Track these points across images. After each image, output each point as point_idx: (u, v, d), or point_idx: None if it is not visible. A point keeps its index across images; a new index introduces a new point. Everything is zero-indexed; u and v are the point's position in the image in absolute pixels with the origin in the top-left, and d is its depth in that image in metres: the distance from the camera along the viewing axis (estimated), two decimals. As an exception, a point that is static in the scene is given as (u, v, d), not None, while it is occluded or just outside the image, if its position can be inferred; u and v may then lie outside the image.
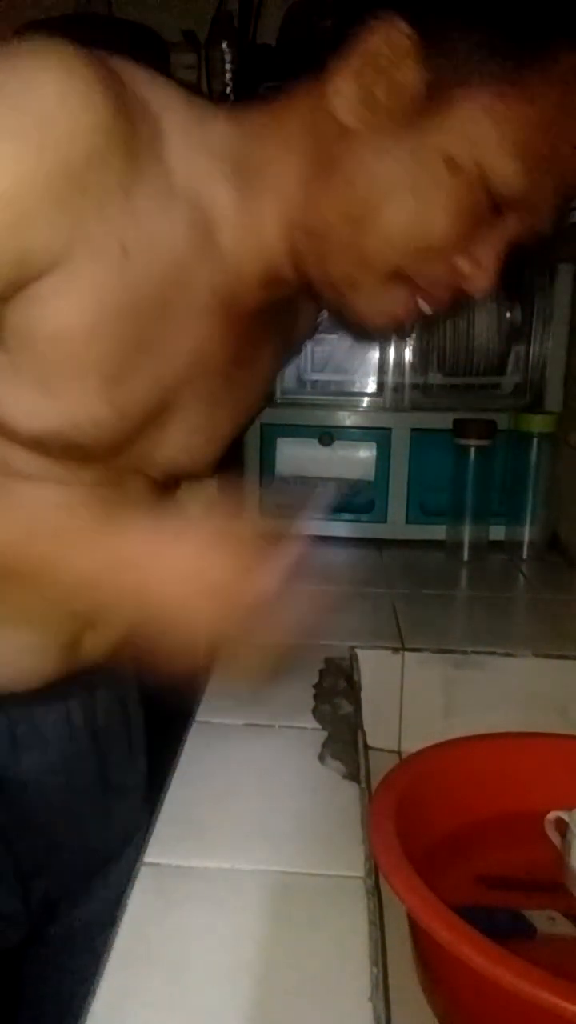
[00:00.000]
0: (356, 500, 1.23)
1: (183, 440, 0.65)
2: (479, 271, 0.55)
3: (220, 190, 0.55)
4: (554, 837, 0.57)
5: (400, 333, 0.60)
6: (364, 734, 0.67)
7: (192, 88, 0.62)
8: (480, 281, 0.56)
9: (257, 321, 0.63)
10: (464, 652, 0.82)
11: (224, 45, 1.28)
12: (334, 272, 0.56)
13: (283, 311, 0.68)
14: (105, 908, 0.75)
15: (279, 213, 0.57)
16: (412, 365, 1.23)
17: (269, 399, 0.82)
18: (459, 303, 0.58)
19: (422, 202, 0.52)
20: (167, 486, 0.72)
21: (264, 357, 0.70)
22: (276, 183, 0.56)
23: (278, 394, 1.25)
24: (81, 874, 0.77)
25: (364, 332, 0.61)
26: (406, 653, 0.82)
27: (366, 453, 1.22)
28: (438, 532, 1.18)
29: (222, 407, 0.66)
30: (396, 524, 1.22)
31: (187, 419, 0.64)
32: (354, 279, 0.56)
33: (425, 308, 0.58)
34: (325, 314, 0.69)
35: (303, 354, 1.26)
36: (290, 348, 0.79)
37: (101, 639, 0.70)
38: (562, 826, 0.57)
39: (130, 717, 0.81)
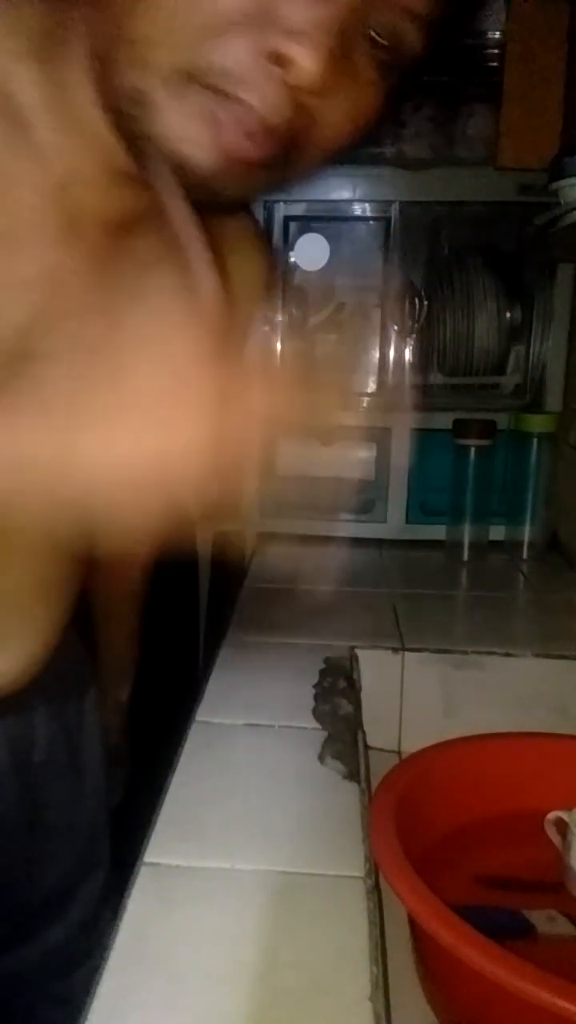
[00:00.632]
0: (356, 500, 1.23)
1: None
2: (297, 44, 0.38)
3: (21, 69, 0.45)
4: (554, 837, 0.57)
5: (248, 185, 0.44)
6: (364, 734, 0.67)
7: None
8: (304, 59, 0.38)
9: (130, 248, 0.51)
10: (464, 652, 0.82)
11: None
12: (118, 92, 0.42)
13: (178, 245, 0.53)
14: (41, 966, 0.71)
15: (90, 78, 0.44)
16: (412, 365, 1.23)
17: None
18: (296, 109, 0.41)
19: None
20: None
21: (162, 300, 0.53)
22: (79, 42, 0.44)
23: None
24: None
25: (189, 169, 0.42)
26: (406, 653, 0.82)
27: (366, 453, 1.22)
28: (438, 532, 1.18)
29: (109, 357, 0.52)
30: (396, 524, 1.22)
31: (64, 370, 0.50)
32: (138, 92, 0.41)
33: (249, 120, 0.41)
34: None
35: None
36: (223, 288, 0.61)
37: (19, 650, 0.62)
38: (562, 826, 0.57)
39: (80, 749, 0.73)
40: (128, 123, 0.43)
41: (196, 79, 0.40)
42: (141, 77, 0.41)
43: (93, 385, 0.46)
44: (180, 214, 0.47)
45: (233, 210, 0.51)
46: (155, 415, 0.44)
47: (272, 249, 0.63)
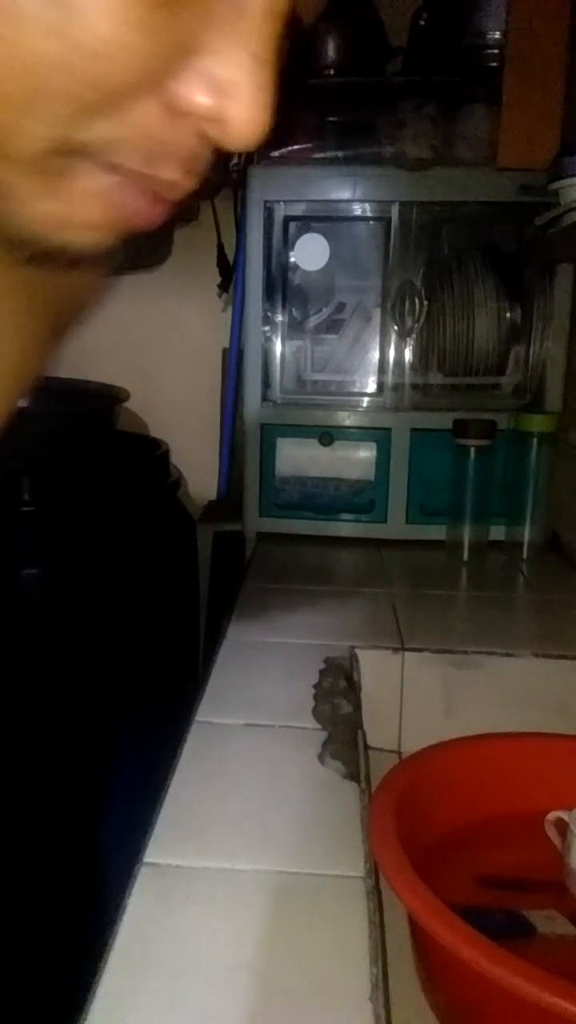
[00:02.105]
0: (356, 500, 1.23)
1: None
2: (226, 97, 0.27)
3: None
4: (554, 837, 0.57)
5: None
6: (364, 734, 0.67)
7: None
8: (238, 115, 0.27)
9: None
10: (464, 652, 0.82)
11: None
12: None
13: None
14: None
15: None
16: (412, 365, 1.23)
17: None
18: (218, 174, 0.35)
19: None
20: None
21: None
22: None
23: (278, 394, 1.25)
24: None
25: (77, 254, 0.31)
26: (406, 653, 0.82)
27: (366, 453, 1.22)
28: (438, 532, 1.18)
29: None
30: (396, 524, 1.22)
31: None
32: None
33: (162, 187, 0.30)
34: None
35: (304, 354, 1.26)
36: None
37: None
38: (562, 826, 0.57)
39: None
40: None
41: (81, 156, 0.28)
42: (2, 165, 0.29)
43: None
44: None
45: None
46: None
47: None
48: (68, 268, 0.33)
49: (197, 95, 0.27)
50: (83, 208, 0.30)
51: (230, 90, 0.27)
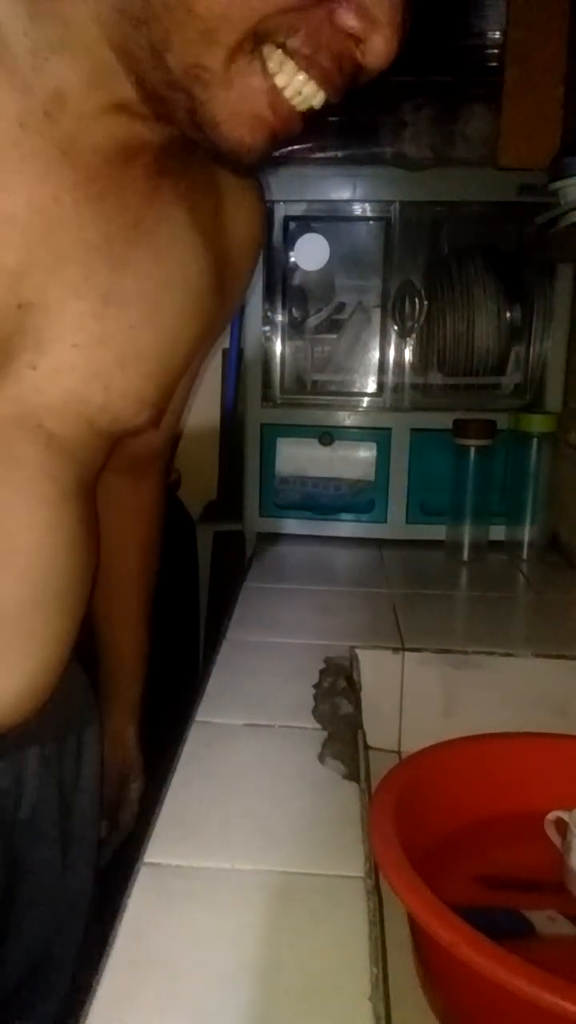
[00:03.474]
0: (356, 500, 1.23)
1: (80, 359, 0.47)
2: (371, 25, 0.39)
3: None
4: (554, 837, 0.57)
5: (262, 152, 0.43)
6: (364, 734, 0.67)
7: None
8: (376, 42, 0.40)
9: (131, 178, 0.47)
10: (464, 652, 0.82)
11: None
12: (175, 65, 0.40)
13: (180, 174, 0.51)
14: None
15: (86, 5, 0.41)
16: (412, 365, 1.23)
17: (220, 315, 0.58)
18: (353, 83, 0.42)
19: None
20: (86, 462, 0.53)
21: (167, 233, 0.51)
22: None
23: (278, 394, 1.25)
24: None
25: (238, 154, 0.43)
26: (406, 653, 0.82)
27: (366, 453, 1.22)
28: (438, 532, 1.18)
29: (121, 305, 0.48)
30: (396, 524, 1.22)
31: (71, 324, 0.46)
32: (199, 66, 0.39)
33: (306, 92, 0.41)
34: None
35: (304, 354, 1.26)
36: (220, 239, 0.56)
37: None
38: (562, 826, 0.57)
39: (72, 808, 0.65)
40: (176, 95, 0.41)
41: (263, 45, 0.39)
42: (202, 49, 0.39)
43: (105, 341, 0.46)
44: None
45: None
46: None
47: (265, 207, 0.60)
48: (224, 163, 0.44)
49: (352, 18, 0.39)
50: (252, 102, 0.40)
51: (375, 22, 0.39)
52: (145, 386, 0.51)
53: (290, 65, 0.40)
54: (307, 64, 0.40)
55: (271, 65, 0.40)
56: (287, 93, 0.41)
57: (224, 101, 0.40)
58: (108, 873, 0.74)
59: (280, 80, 0.40)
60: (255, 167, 0.44)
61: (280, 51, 0.40)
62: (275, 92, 0.41)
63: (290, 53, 0.40)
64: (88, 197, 0.45)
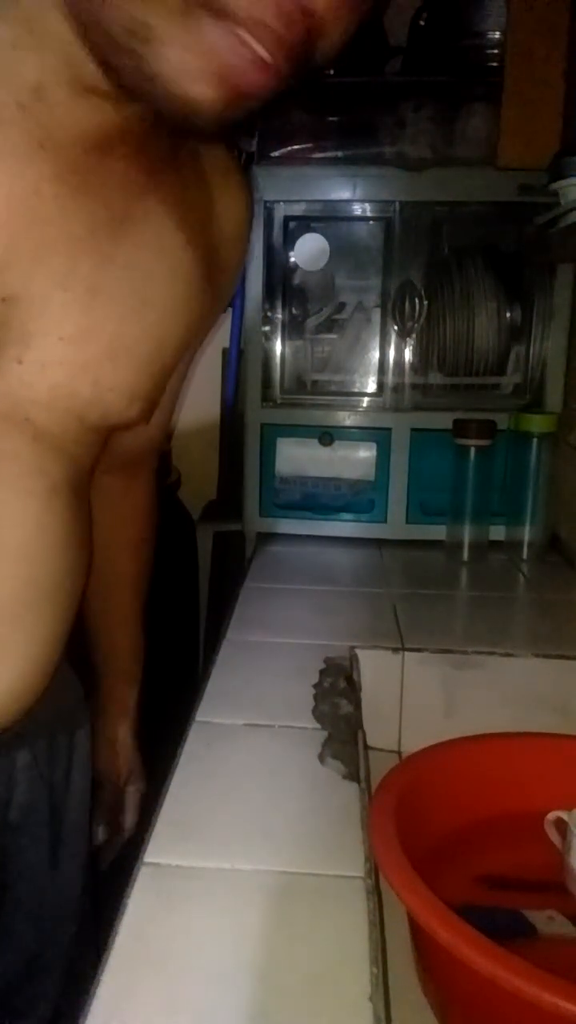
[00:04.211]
0: (356, 500, 1.23)
1: (68, 352, 0.47)
2: None
3: None
4: (554, 837, 0.57)
5: (248, 127, 0.41)
6: (364, 734, 0.67)
7: None
8: None
9: (112, 171, 0.47)
10: (464, 652, 0.82)
11: None
12: (115, 25, 0.39)
13: (165, 171, 0.50)
14: None
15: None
16: (412, 365, 1.23)
17: (210, 309, 0.58)
18: (308, 34, 0.40)
19: None
20: (77, 457, 0.52)
21: (154, 229, 0.50)
22: None
23: (278, 394, 1.25)
24: None
25: (197, 113, 0.41)
26: (406, 653, 0.82)
27: (366, 453, 1.22)
28: (438, 532, 1.18)
29: (108, 298, 0.47)
30: (396, 524, 1.22)
31: (57, 317, 0.46)
32: (142, 26, 0.38)
33: (260, 50, 0.39)
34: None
35: (304, 354, 1.26)
36: (209, 234, 0.56)
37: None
38: (562, 826, 0.57)
39: (63, 812, 0.64)
40: (122, 57, 0.39)
41: (209, 6, 0.37)
42: (146, 9, 0.37)
43: (93, 334, 0.46)
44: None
45: (211, 140, 0.48)
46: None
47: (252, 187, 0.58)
48: (180, 126, 0.41)
49: None
50: (204, 58, 0.38)
51: None
52: (135, 379, 0.50)
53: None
54: (251, 24, 0.37)
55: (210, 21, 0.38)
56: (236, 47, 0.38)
57: (171, 57, 0.38)
58: (111, 875, 0.74)
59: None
60: (223, 129, 0.42)
61: (220, 20, 0.38)
62: (227, 43, 0.38)
63: (233, 10, 0.37)
64: (70, 189, 0.44)
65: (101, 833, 0.79)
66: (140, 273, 0.49)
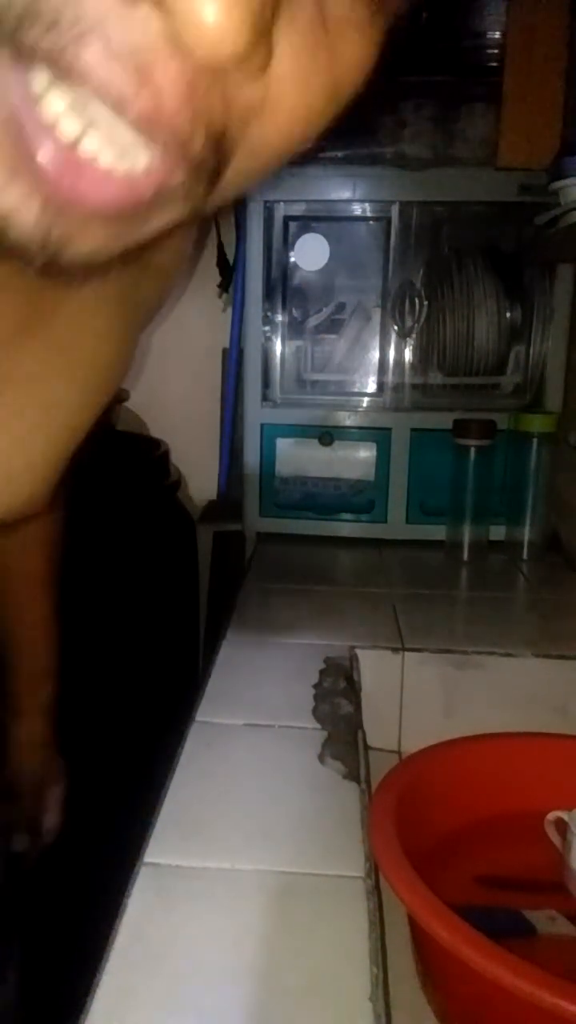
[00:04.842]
0: (356, 500, 1.23)
1: None
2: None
3: None
4: (554, 837, 0.57)
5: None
6: (364, 734, 0.67)
7: None
8: (199, 14, 0.20)
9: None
10: (464, 652, 0.82)
11: None
12: None
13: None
14: None
15: None
16: (412, 365, 1.23)
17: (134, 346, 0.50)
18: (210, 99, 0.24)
19: None
20: None
21: (68, 315, 0.40)
22: None
23: (278, 394, 1.25)
24: None
25: (24, 256, 0.25)
26: (406, 653, 0.82)
27: (366, 453, 1.22)
28: (438, 532, 1.18)
29: (8, 409, 0.41)
30: (396, 524, 1.22)
31: None
32: None
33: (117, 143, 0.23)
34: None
35: (304, 354, 1.26)
36: (144, 302, 0.46)
37: None
38: (562, 826, 0.57)
39: None
40: None
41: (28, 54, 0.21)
42: None
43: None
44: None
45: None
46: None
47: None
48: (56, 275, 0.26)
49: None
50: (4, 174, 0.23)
51: None
52: (38, 488, 0.46)
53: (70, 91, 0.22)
54: (97, 84, 0.21)
55: (37, 89, 0.22)
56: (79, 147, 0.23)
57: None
58: (39, 875, 0.73)
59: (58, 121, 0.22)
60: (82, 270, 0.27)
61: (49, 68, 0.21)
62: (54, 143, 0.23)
63: (67, 69, 0.21)
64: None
65: (22, 841, 0.79)
66: (53, 369, 0.42)
